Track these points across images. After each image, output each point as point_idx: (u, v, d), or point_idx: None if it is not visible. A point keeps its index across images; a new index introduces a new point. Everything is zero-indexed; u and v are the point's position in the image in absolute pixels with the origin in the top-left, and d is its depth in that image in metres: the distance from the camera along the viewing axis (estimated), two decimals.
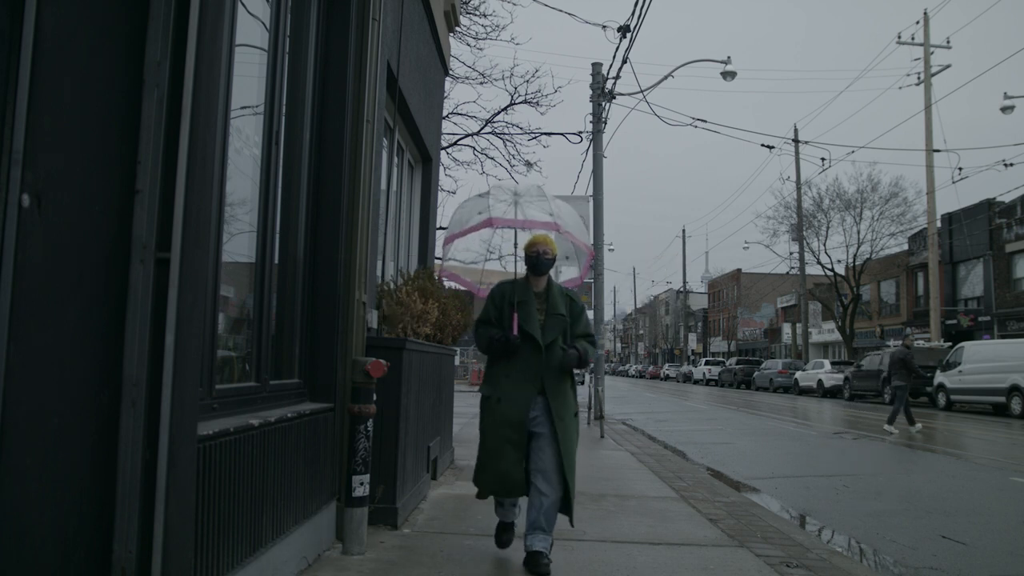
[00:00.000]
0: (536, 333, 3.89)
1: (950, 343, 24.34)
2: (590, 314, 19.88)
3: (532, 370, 3.89)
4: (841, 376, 27.61)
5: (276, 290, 3.76)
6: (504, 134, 16.06)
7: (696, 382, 47.45)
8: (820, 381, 29.14)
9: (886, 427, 13.38)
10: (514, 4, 36.98)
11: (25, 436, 1.63)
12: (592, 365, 4.33)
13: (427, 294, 5.69)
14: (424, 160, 7.88)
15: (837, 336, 39.78)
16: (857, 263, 36.18)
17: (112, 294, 1.94)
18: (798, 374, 31.75)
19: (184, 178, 2.05)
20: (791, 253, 39.74)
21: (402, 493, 4.71)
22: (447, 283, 6.65)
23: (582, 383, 19.93)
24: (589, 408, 13.45)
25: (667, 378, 57.13)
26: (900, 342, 13.89)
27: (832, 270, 37.69)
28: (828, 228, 37.66)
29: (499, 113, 16.01)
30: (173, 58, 2.05)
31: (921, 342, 26.58)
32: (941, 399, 20.50)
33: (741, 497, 6.41)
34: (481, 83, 15.99)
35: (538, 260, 4.00)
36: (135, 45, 2.01)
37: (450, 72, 9.81)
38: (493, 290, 4.11)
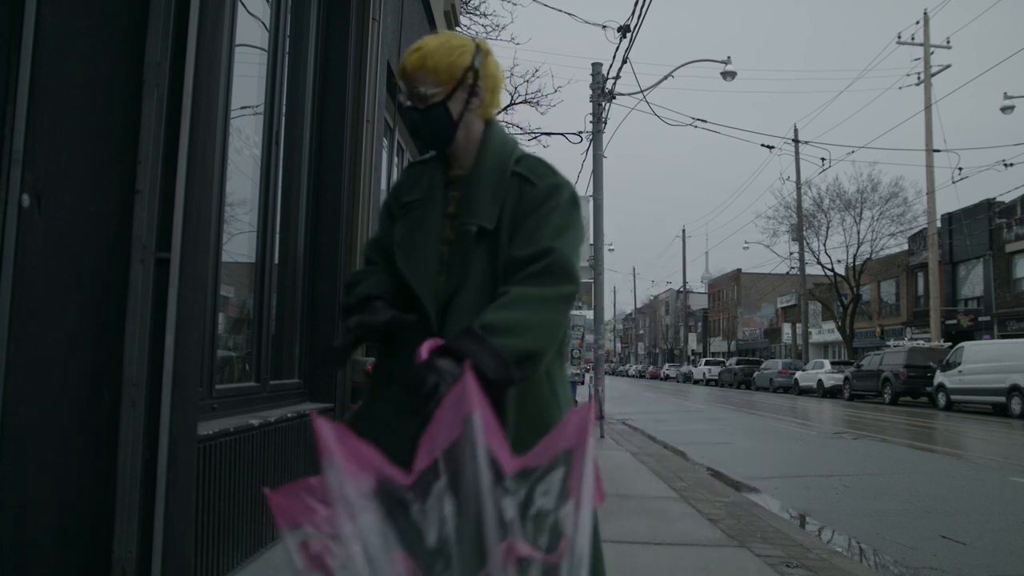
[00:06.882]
0: (422, 289, 1.66)
1: (950, 343, 24.33)
2: (588, 314, 17.81)
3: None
4: (841, 376, 27.59)
5: (276, 290, 3.76)
6: None
7: (696, 382, 47.40)
8: (820, 381, 29.12)
9: None
10: (514, 4, 37.08)
11: (25, 436, 1.63)
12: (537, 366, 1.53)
13: None
14: None
15: (837, 336, 39.75)
16: (857, 263, 36.16)
17: (112, 294, 1.94)
18: (798, 374, 31.72)
19: (184, 178, 2.05)
20: (791, 253, 39.75)
21: None
22: None
23: (581, 383, 16.73)
24: None
25: (667, 378, 57.03)
26: None
27: (832, 270, 37.68)
28: (828, 228, 37.67)
29: (499, 113, 15.95)
30: (173, 58, 2.05)
31: (921, 342, 26.58)
32: (941, 399, 20.48)
33: (741, 497, 6.40)
34: None
35: (407, 114, 1.78)
36: (135, 45, 2.01)
37: None
38: (394, 184, 1.94)
